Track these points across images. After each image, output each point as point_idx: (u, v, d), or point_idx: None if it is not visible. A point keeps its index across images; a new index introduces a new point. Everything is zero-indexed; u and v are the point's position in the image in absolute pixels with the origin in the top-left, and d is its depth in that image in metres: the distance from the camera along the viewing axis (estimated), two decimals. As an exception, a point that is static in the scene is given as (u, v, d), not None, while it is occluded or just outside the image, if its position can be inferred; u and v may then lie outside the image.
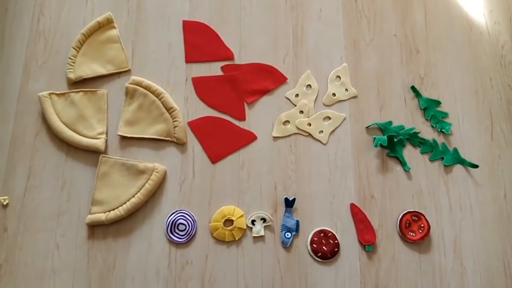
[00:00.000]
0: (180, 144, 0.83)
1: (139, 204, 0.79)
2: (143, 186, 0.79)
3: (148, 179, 0.79)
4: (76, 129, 0.82)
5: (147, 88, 0.84)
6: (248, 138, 0.85)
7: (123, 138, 0.84)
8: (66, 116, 0.83)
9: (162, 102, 0.84)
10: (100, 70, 0.87)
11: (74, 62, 0.86)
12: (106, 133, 0.83)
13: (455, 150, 0.85)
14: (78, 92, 0.85)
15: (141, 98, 0.84)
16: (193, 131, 0.84)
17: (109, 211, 0.78)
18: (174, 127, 0.82)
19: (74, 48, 0.87)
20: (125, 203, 0.78)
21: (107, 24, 0.89)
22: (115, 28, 0.90)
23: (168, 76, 0.88)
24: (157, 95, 0.84)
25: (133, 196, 0.79)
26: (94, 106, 0.84)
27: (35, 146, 0.82)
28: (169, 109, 0.83)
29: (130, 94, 0.84)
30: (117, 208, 0.78)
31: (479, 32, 0.93)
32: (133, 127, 0.83)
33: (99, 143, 0.81)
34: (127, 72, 0.88)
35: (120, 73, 0.87)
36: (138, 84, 0.84)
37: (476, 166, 0.84)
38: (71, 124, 0.83)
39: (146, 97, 0.84)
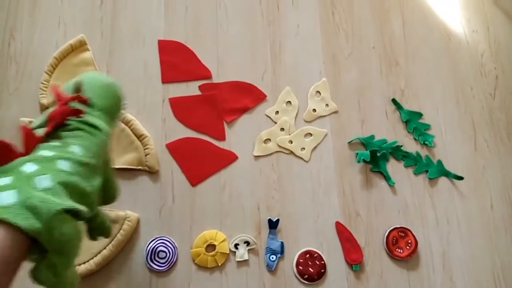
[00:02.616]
0: (153, 172, 0.80)
1: (110, 256, 0.75)
2: (115, 236, 0.75)
3: (120, 229, 0.75)
4: None
5: (115, 116, 0.82)
6: (229, 158, 0.82)
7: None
8: None
9: (131, 130, 0.81)
10: (73, 94, 0.84)
11: (47, 87, 0.84)
12: None
13: (439, 162, 0.84)
14: None
15: (110, 125, 0.81)
16: (171, 154, 0.82)
17: (80, 264, 0.74)
18: (146, 155, 0.80)
19: (46, 73, 0.84)
20: (96, 255, 0.74)
21: (80, 46, 0.87)
22: (89, 50, 0.87)
23: (144, 98, 0.85)
24: (126, 122, 0.81)
25: (104, 248, 0.75)
26: None
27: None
28: (140, 137, 0.81)
29: (99, 122, 0.82)
30: (87, 261, 0.74)
31: (457, 42, 0.93)
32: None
33: None
34: (102, 95, 0.85)
35: (94, 96, 0.85)
36: (108, 111, 0.82)
37: (461, 178, 0.83)
38: None
39: (115, 125, 0.81)
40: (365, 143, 0.84)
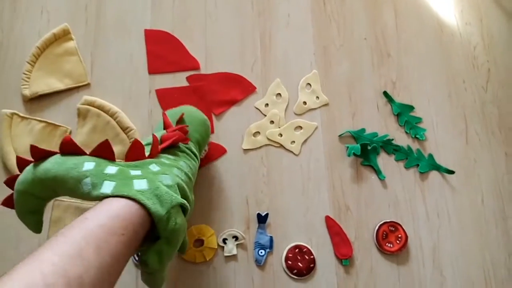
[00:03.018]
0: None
1: None
2: None
3: None
4: None
5: (100, 108, 0.79)
6: (218, 151, 0.81)
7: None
8: (19, 143, 0.77)
9: (117, 122, 0.79)
10: (57, 85, 0.81)
11: (29, 78, 0.81)
12: None
13: (430, 156, 0.83)
14: (40, 122, 0.79)
15: (94, 119, 0.79)
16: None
17: None
18: None
19: (28, 63, 0.81)
20: None
21: (64, 35, 0.84)
22: (73, 40, 0.85)
23: (130, 89, 0.83)
24: (111, 114, 0.79)
25: None
26: (51, 141, 0.78)
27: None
28: (125, 129, 0.79)
29: (82, 115, 0.79)
30: None
31: (450, 34, 0.91)
32: (88, 151, 0.78)
33: None
34: (87, 86, 0.83)
35: (78, 87, 0.82)
36: (91, 104, 0.79)
37: (452, 172, 0.82)
38: (21, 153, 0.77)
39: (99, 117, 0.79)
40: (356, 136, 0.83)
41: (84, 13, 0.87)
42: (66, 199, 0.76)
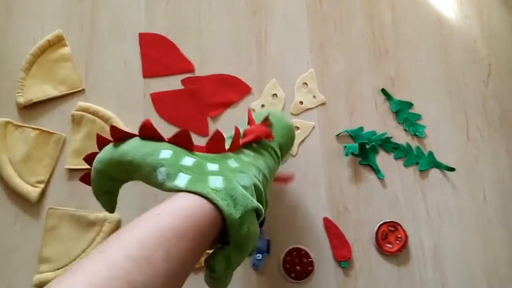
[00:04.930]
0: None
1: None
2: (94, 239, 0.74)
3: (99, 231, 0.74)
4: (18, 169, 0.77)
5: (94, 113, 0.79)
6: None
7: (73, 170, 0.79)
8: (14, 152, 0.78)
9: (112, 127, 0.79)
10: (51, 92, 0.81)
11: (23, 85, 0.81)
12: (48, 181, 0.78)
13: (430, 153, 0.81)
14: (35, 129, 0.79)
15: (88, 124, 0.79)
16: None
17: (59, 269, 0.73)
18: None
19: (22, 70, 0.82)
20: (75, 259, 0.73)
21: (58, 42, 0.84)
22: (67, 46, 0.84)
23: (125, 94, 0.83)
24: (106, 120, 0.79)
25: (83, 251, 0.73)
26: (45, 149, 0.78)
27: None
28: (120, 134, 0.79)
29: (77, 121, 0.79)
30: (66, 265, 0.73)
31: (449, 28, 0.89)
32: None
33: (32, 193, 0.75)
34: (81, 92, 0.83)
35: (73, 93, 0.82)
36: (85, 110, 0.79)
37: (452, 169, 0.80)
38: (16, 163, 0.77)
39: (94, 123, 0.79)
40: (354, 135, 0.82)
41: (78, 19, 0.87)
42: (60, 207, 0.76)
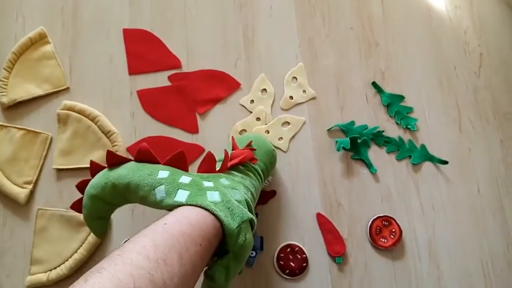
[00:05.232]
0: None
1: (82, 260, 0.72)
2: (85, 239, 0.72)
3: (91, 232, 0.72)
4: (5, 170, 0.75)
5: (80, 112, 0.77)
6: (197, 152, 0.78)
7: (60, 170, 0.77)
8: (0, 152, 0.76)
9: (98, 126, 0.77)
10: (35, 91, 0.79)
11: (6, 85, 0.79)
12: (36, 182, 0.76)
13: (423, 146, 0.80)
14: (20, 129, 0.77)
15: (75, 124, 0.77)
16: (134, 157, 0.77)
17: (51, 270, 0.71)
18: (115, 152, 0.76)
19: (5, 69, 0.79)
20: (67, 260, 0.71)
21: (40, 39, 0.82)
22: (50, 43, 0.82)
23: (111, 91, 0.81)
24: (92, 118, 0.77)
25: (76, 252, 0.72)
26: (32, 149, 0.76)
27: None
28: (107, 133, 0.77)
29: (62, 121, 0.77)
30: (59, 266, 0.71)
31: (439, 18, 0.88)
32: (69, 157, 0.76)
33: (20, 194, 0.74)
34: (66, 90, 0.80)
35: (58, 92, 0.80)
36: (71, 108, 0.77)
37: (445, 162, 0.79)
38: (1, 163, 0.75)
39: (80, 122, 0.77)
40: (345, 130, 0.80)
41: (60, 15, 0.84)
42: (49, 208, 0.74)
